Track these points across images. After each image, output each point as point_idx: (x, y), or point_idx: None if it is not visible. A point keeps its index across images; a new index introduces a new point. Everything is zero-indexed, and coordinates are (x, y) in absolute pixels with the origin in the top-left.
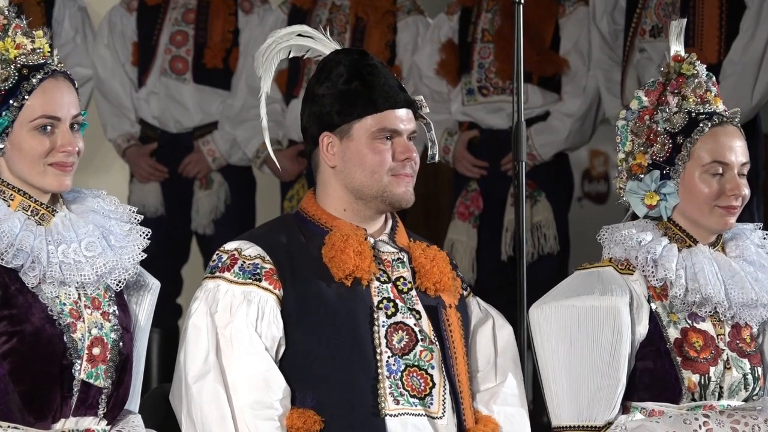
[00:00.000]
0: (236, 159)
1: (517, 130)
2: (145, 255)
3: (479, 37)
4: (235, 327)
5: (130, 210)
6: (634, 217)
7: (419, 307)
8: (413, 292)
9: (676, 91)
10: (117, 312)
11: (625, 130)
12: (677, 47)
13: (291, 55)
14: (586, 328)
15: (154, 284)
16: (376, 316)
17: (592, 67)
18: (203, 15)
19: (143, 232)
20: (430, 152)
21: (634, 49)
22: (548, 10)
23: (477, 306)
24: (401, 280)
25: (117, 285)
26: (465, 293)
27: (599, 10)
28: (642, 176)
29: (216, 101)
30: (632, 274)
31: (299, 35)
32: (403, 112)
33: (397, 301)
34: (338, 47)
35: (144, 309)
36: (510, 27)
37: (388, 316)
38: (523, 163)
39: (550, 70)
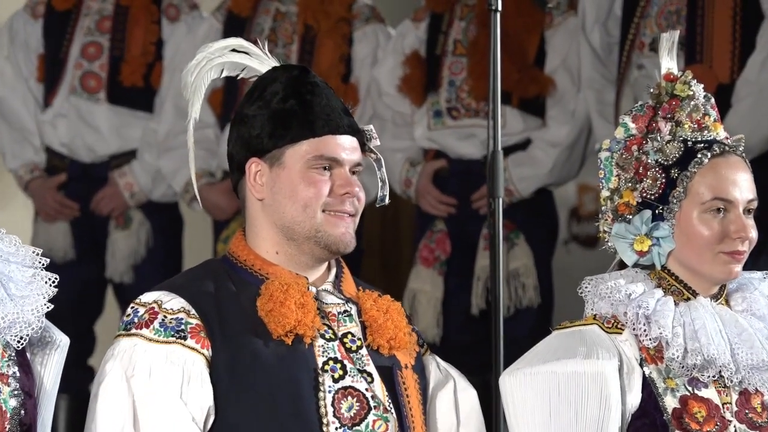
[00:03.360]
0: (159, 194)
1: (493, 161)
2: (51, 306)
3: (450, 49)
4: (156, 394)
5: (33, 252)
6: (622, 265)
7: (371, 368)
8: (363, 351)
9: (668, 116)
10: (18, 374)
11: (609, 163)
12: (669, 64)
13: (224, 74)
14: (568, 398)
15: (63, 341)
16: (321, 379)
17: (582, 87)
18: (120, 23)
19: (49, 279)
20: (379, 194)
21: (631, 65)
22: (532, 19)
23: (435, 366)
24: (349, 336)
25: (18, 342)
26: (422, 350)
27: (590, 19)
28: (630, 217)
29: (135, 125)
30: (621, 334)
31: (233, 50)
32: (346, 140)
33: (345, 361)
34: (277, 64)
35: (50, 370)
36: (487, 38)
37: (336, 380)
38: (500, 199)
39: (533, 91)
